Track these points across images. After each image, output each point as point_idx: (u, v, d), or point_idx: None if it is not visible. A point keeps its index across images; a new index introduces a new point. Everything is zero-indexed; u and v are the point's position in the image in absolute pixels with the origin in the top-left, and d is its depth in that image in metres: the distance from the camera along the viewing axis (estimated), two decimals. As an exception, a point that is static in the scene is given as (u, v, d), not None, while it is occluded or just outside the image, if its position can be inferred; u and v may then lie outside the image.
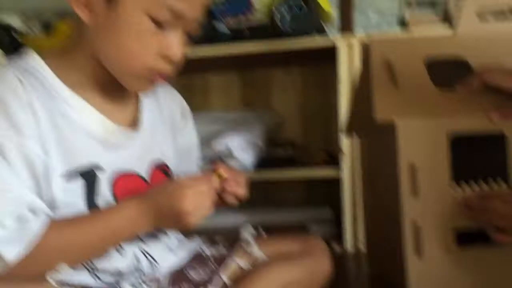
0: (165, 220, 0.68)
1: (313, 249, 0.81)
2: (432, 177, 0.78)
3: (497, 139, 0.79)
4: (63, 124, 0.68)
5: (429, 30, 1.31)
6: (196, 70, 1.62)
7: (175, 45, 0.68)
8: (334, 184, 1.37)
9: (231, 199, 0.76)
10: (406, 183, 0.78)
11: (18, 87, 0.64)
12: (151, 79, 0.71)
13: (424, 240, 0.77)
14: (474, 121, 0.79)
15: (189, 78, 1.64)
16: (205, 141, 1.37)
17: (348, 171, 1.30)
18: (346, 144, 1.31)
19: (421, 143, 0.78)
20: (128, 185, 0.72)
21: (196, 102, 1.65)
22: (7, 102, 0.63)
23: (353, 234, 1.29)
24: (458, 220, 0.77)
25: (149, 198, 0.69)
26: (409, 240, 0.77)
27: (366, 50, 0.88)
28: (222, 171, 0.74)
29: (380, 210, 0.96)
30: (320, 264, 0.80)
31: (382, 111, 0.80)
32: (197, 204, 0.67)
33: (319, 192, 1.59)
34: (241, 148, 1.41)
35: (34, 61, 0.70)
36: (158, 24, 0.66)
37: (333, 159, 1.45)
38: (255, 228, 0.86)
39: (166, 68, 0.70)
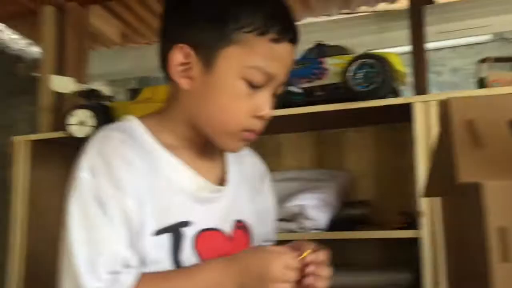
0: (250, 285, 0.68)
1: None
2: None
3: None
4: (159, 182, 0.72)
5: (509, 88, 1.28)
6: (269, 131, 1.65)
7: (266, 104, 0.73)
8: (412, 246, 1.32)
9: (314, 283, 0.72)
10: (495, 248, 0.74)
11: (120, 148, 0.70)
12: (243, 137, 0.74)
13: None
14: None
15: (261, 138, 1.67)
16: (278, 201, 1.38)
17: (428, 232, 1.25)
18: (426, 203, 1.27)
19: (510, 205, 0.74)
20: (210, 242, 0.74)
21: (268, 162, 1.67)
22: (111, 161, 0.68)
23: (435, 301, 1.22)
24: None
25: (237, 260, 0.70)
26: (501, 310, 0.72)
27: (445, 109, 0.87)
28: (306, 254, 0.72)
29: (465, 276, 0.91)
30: None
31: (465, 172, 0.77)
32: (284, 273, 0.67)
33: (395, 253, 1.53)
34: (314, 208, 1.41)
35: (133, 124, 0.76)
36: (252, 85, 0.71)
37: (411, 222, 1.40)
38: (333, 291, 0.84)
39: (257, 126, 0.74)
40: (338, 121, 1.53)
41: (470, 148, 0.80)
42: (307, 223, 1.39)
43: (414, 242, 1.30)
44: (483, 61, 1.42)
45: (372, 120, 1.54)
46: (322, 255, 0.73)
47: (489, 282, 0.74)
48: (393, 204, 1.55)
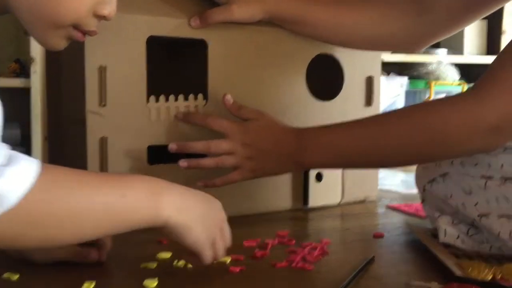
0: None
1: None
2: (124, 86, 0.67)
3: (200, 49, 0.73)
4: None
5: None
6: None
7: (112, 4, 0.60)
8: (23, 97, 1.15)
9: None
10: (93, 91, 0.65)
11: None
12: (71, 35, 0.60)
13: (111, 156, 0.66)
14: (175, 25, 0.70)
15: None
16: None
17: (39, 81, 1.10)
18: (40, 48, 1.09)
19: (114, 43, 0.66)
20: None
21: None
22: None
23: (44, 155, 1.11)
24: (152, 136, 0.69)
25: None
26: (93, 157, 0.66)
27: None
28: None
29: (67, 125, 0.82)
30: None
31: None
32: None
33: (7, 106, 1.34)
34: None
35: None
36: None
37: (25, 70, 1.22)
38: None
39: (92, 26, 0.60)
40: None
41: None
42: None
43: (25, 93, 1.13)
44: None
45: None
46: None
47: (85, 129, 0.66)
48: (7, 49, 1.32)
